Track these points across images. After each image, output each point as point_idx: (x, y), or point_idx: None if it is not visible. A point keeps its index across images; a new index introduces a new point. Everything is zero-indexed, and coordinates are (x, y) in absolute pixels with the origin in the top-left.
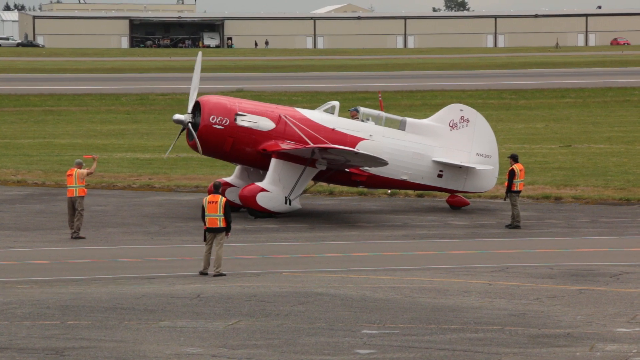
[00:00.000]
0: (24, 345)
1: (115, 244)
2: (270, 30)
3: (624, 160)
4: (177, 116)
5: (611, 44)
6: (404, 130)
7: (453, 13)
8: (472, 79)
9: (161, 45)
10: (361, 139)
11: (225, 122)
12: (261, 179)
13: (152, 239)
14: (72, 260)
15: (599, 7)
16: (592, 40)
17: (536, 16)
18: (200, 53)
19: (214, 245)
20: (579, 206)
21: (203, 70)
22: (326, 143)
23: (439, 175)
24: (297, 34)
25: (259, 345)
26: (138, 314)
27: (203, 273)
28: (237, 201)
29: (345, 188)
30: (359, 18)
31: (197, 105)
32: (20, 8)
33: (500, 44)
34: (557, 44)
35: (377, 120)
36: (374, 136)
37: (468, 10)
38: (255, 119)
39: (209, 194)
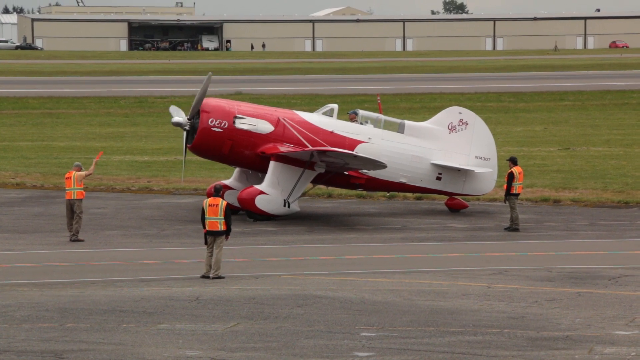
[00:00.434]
0: (22, 348)
1: (113, 247)
2: (269, 33)
3: (622, 163)
4: (176, 119)
5: (610, 46)
6: (402, 133)
7: (452, 16)
8: (471, 81)
9: (160, 48)
10: (360, 142)
11: (224, 124)
12: (260, 181)
13: (150, 242)
14: (70, 262)
15: (598, 10)
16: (591, 43)
17: (535, 19)
18: (210, 74)
19: (214, 248)
20: (577, 209)
21: (202, 73)
22: (325, 146)
23: (438, 178)
24: (296, 36)
25: (257, 347)
26: (137, 316)
27: (205, 276)
28: (236, 204)
29: (343, 191)
30: (357, 21)
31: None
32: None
33: (499, 46)
34: (555, 47)
35: (376, 123)
36: (372, 139)
37: (467, 13)
38: (254, 121)
39: (209, 197)
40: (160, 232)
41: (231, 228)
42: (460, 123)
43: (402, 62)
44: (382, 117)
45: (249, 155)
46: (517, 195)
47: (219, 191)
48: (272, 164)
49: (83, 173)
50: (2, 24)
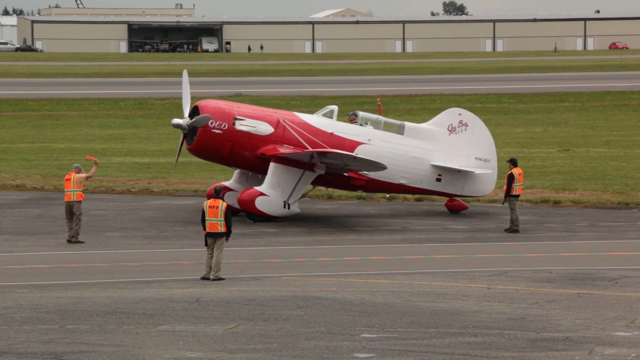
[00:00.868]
0: (23, 350)
1: (114, 248)
2: (269, 34)
3: (622, 164)
4: (176, 120)
5: (609, 48)
6: (402, 134)
7: (451, 17)
8: (471, 83)
9: (160, 49)
10: (360, 143)
11: (224, 126)
12: (260, 183)
13: (151, 243)
14: (71, 264)
15: (598, 12)
16: (591, 45)
17: (535, 20)
18: (185, 72)
19: (214, 249)
20: (577, 210)
21: (201, 74)
22: (325, 147)
23: (438, 180)
24: (296, 38)
25: (257, 349)
26: (137, 318)
27: (205, 278)
28: (236, 205)
29: (343, 192)
30: (357, 22)
31: (195, 109)
32: (19, 13)
33: (499, 48)
34: (555, 48)
35: (376, 125)
36: (372, 140)
37: (466, 14)
38: (254, 123)
39: (209, 199)
40: (161, 234)
41: (231, 230)
42: (460, 124)
43: (401, 63)
44: (381, 118)
45: (249, 156)
46: (517, 196)
47: (219, 193)
48: (272, 165)
49: (83, 175)
50: (2, 25)
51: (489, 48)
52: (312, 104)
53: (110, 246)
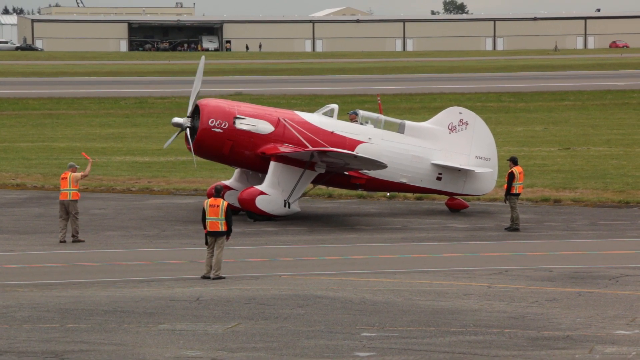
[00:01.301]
0: (23, 349)
1: (114, 248)
2: (269, 33)
3: (622, 163)
4: (176, 119)
5: (610, 46)
6: (403, 133)
7: (452, 16)
8: (471, 81)
9: (160, 48)
10: (360, 142)
11: (225, 125)
12: (260, 182)
13: (151, 242)
14: (71, 263)
15: (598, 10)
16: (591, 43)
17: (535, 19)
18: (203, 57)
19: (215, 248)
20: (578, 209)
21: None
22: (325, 146)
23: (438, 178)
24: (296, 37)
25: (258, 348)
26: (137, 317)
27: (205, 277)
28: (236, 204)
29: (344, 191)
30: (357, 21)
31: (196, 108)
32: (19, 12)
33: (499, 47)
34: (556, 46)
35: (376, 123)
36: (373, 139)
37: (467, 13)
38: (254, 122)
39: (209, 198)
40: (161, 233)
41: (232, 228)
42: (461, 123)
43: (402, 62)
44: (382, 117)
45: (249, 155)
46: (517, 195)
47: (219, 192)
48: (272, 164)
49: (79, 174)
50: (2, 25)
51: (489, 47)
52: (313, 102)
53: (110, 245)
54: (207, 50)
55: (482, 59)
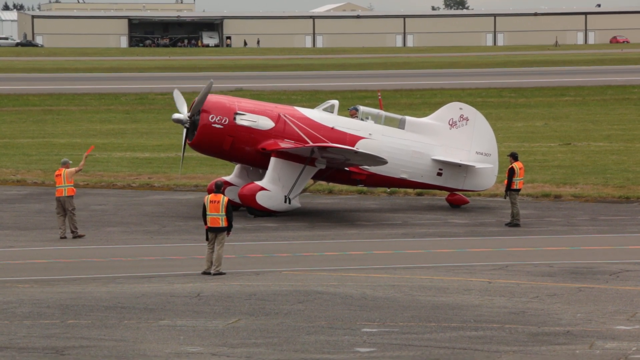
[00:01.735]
0: (24, 345)
1: (114, 243)
2: (269, 29)
3: (623, 158)
4: (177, 115)
5: (610, 42)
6: (403, 129)
7: (452, 12)
8: (472, 77)
9: (160, 44)
10: (360, 138)
11: (225, 121)
12: (261, 178)
13: (151, 238)
14: (71, 259)
15: (599, 6)
16: (592, 39)
17: (535, 14)
18: (211, 81)
19: (215, 244)
20: (578, 204)
21: (202, 69)
22: (325, 142)
23: (439, 174)
24: (296, 32)
25: (258, 343)
26: (138, 313)
27: (206, 272)
28: (237, 200)
29: (344, 187)
30: (358, 17)
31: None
32: (19, 8)
33: (500, 42)
34: (556, 42)
35: (377, 119)
36: (373, 135)
37: (467, 8)
38: (255, 118)
39: (210, 193)
40: (161, 229)
41: (232, 224)
42: (461, 119)
43: (402, 58)
44: (382, 113)
45: (249, 151)
46: (517, 190)
47: (220, 187)
48: (272, 160)
49: (73, 169)
50: (2, 21)
51: (489, 42)
52: (313, 98)
53: (111, 241)
54: (208, 46)
55: (482, 54)
